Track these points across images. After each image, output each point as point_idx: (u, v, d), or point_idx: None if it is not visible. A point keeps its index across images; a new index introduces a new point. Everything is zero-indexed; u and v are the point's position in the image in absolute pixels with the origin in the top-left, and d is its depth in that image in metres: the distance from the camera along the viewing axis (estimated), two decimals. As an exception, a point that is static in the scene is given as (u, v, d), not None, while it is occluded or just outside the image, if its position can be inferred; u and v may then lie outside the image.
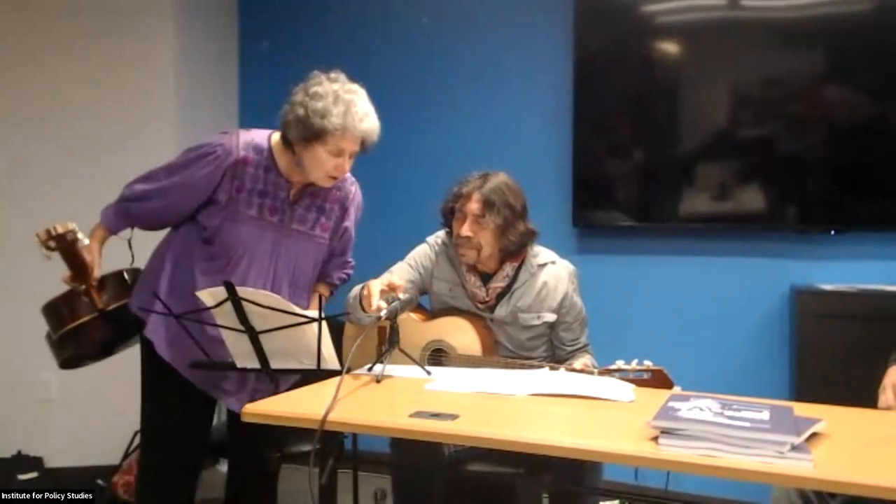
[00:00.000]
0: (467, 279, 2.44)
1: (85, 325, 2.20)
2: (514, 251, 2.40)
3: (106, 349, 2.32)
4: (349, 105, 2.06)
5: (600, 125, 3.49)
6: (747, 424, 1.36)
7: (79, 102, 3.69)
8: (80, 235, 2.16)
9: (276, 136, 2.21)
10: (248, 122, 4.06)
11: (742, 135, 3.28)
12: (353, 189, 2.34)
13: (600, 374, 2.13)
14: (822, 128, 3.19)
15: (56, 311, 2.23)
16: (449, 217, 2.46)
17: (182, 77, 3.79)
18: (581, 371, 2.18)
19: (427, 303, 2.60)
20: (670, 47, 3.39)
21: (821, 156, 3.20)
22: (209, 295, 1.90)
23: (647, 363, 2.09)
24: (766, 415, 1.44)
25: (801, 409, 1.59)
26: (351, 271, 2.45)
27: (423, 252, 2.53)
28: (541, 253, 2.47)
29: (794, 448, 1.31)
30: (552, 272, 2.43)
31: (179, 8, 3.78)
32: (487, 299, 2.42)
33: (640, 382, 2.02)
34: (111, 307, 2.22)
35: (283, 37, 4.04)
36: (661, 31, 3.39)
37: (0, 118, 3.67)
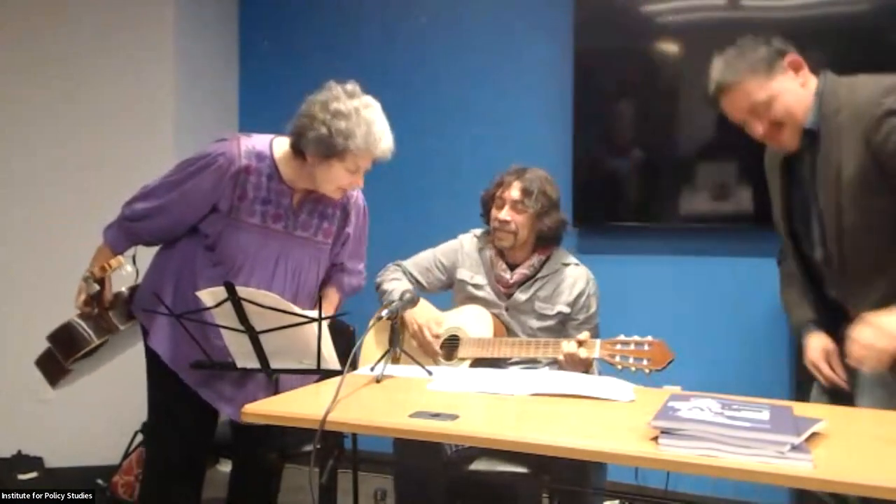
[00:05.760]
0: (495, 262, 2.54)
1: (101, 346, 2.21)
2: (548, 239, 2.51)
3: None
4: (370, 125, 2.06)
5: (600, 125, 3.50)
6: (747, 424, 1.36)
7: (79, 103, 3.69)
8: (129, 268, 2.17)
9: (278, 142, 2.19)
10: (247, 122, 4.06)
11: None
12: (356, 193, 2.33)
13: (602, 345, 2.20)
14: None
15: (68, 337, 2.20)
16: (489, 205, 2.57)
17: (182, 77, 3.79)
18: (584, 343, 2.23)
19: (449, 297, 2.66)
20: (670, 47, 3.39)
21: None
22: (209, 295, 1.90)
23: (649, 338, 2.15)
24: (765, 415, 1.44)
25: (801, 409, 1.59)
26: (363, 282, 2.45)
27: (450, 247, 2.66)
28: (568, 256, 2.59)
29: (794, 448, 1.31)
30: (575, 271, 2.54)
31: (180, 8, 3.79)
32: (511, 282, 2.51)
33: (641, 354, 2.12)
34: (124, 328, 2.23)
35: (283, 37, 4.04)
36: (661, 32, 3.39)
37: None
